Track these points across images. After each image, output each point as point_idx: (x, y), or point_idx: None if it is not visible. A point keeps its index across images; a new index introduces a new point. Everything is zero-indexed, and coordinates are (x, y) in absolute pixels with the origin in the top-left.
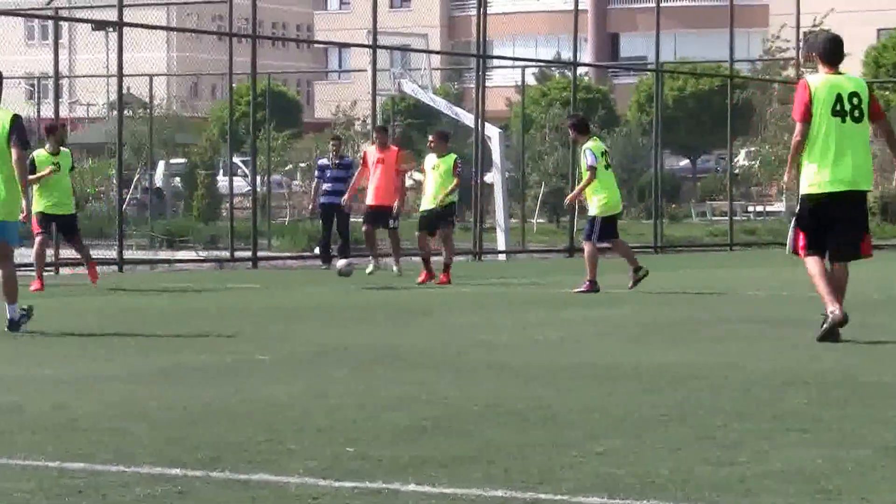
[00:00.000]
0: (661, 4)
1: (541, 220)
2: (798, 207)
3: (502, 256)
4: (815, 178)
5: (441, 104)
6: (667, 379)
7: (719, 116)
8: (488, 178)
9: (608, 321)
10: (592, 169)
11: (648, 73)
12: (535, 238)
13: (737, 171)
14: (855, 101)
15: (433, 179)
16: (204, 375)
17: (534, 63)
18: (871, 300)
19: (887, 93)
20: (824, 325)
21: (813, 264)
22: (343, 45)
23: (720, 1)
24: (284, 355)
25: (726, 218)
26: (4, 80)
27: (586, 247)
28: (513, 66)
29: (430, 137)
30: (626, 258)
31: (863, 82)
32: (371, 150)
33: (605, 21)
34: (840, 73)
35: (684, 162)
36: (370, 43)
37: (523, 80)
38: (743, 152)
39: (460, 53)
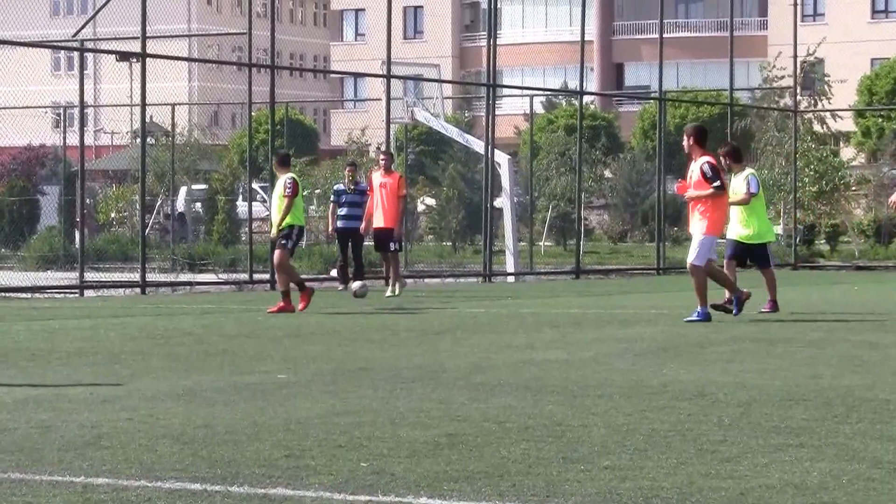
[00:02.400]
0: (664, 35)
1: (548, 243)
2: None
3: (511, 278)
4: None
5: (452, 132)
6: (672, 395)
7: (719, 143)
8: (498, 202)
9: (617, 341)
10: (752, 195)
11: (652, 101)
12: (542, 260)
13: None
14: None
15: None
16: (226, 394)
17: (542, 92)
18: (871, 319)
19: (881, 120)
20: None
21: None
22: (358, 75)
23: (721, 32)
24: (305, 375)
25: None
26: (32, 110)
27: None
28: (521, 95)
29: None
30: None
31: None
32: (376, 175)
33: (611, 51)
34: None
35: None
36: (384, 73)
37: (531, 109)
38: None
39: (471, 83)
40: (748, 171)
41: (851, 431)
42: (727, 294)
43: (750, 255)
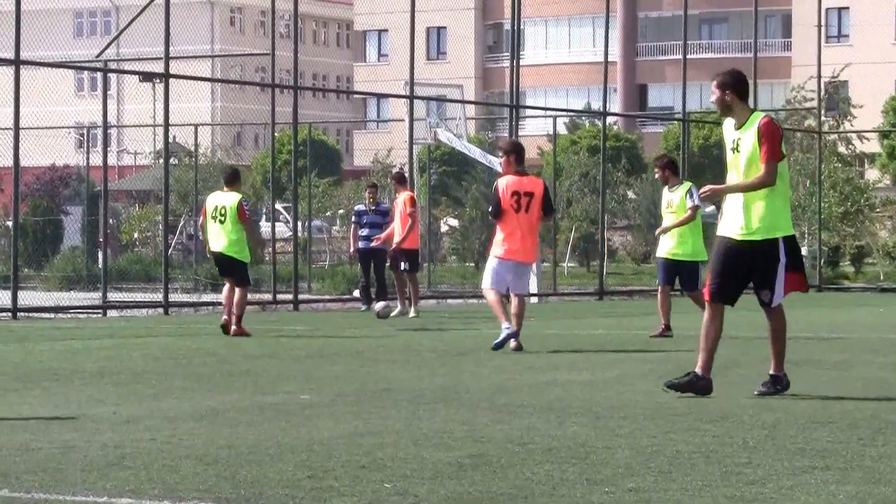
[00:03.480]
0: (687, 56)
1: (571, 265)
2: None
3: (535, 299)
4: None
5: (475, 152)
6: (696, 417)
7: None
8: None
9: (641, 362)
10: (698, 208)
11: (675, 122)
12: (566, 281)
13: None
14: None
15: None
16: (249, 414)
17: (565, 113)
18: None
19: None
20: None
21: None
22: (381, 96)
23: (744, 53)
24: (328, 395)
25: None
26: (55, 130)
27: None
28: (545, 116)
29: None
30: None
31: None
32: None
33: (634, 72)
34: None
35: (710, 208)
36: (407, 93)
37: (555, 129)
38: None
39: (494, 104)
40: (687, 184)
41: (877, 454)
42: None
43: (679, 274)
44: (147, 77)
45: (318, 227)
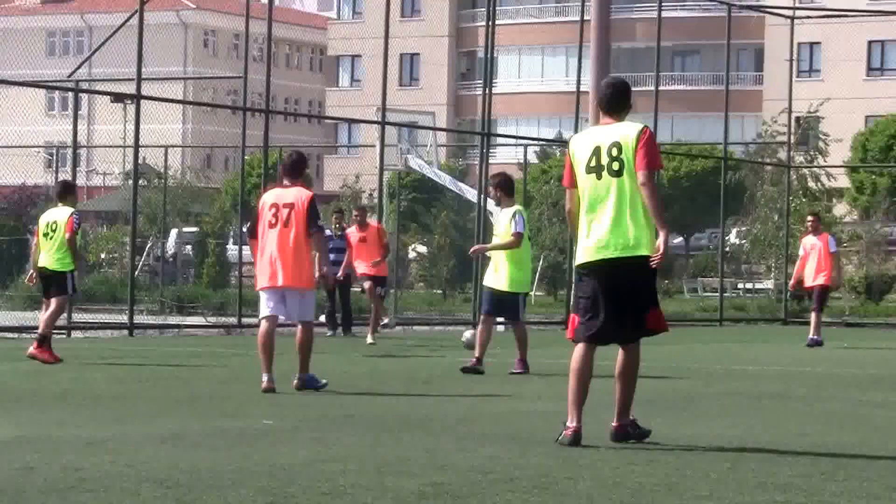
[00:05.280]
0: (659, 88)
1: (539, 293)
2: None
3: (501, 328)
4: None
5: (446, 179)
6: (660, 449)
7: (713, 196)
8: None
9: (605, 393)
10: (520, 235)
11: None
12: (533, 310)
13: (728, 248)
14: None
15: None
16: (212, 438)
17: (536, 142)
18: (860, 376)
19: (874, 177)
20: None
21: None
22: (353, 121)
23: (716, 85)
24: (291, 421)
25: (717, 294)
26: (25, 149)
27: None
28: (516, 145)
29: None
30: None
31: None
32: (352, 231)
33: None
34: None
35: (678, 240)
36: (379, 119)
37: (525, 158)
38: (734, 231)
39: (465, 131)
40: (517, 206)
41: (838, 489)
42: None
43: (501, 305)
44: (118, 98)
45: None
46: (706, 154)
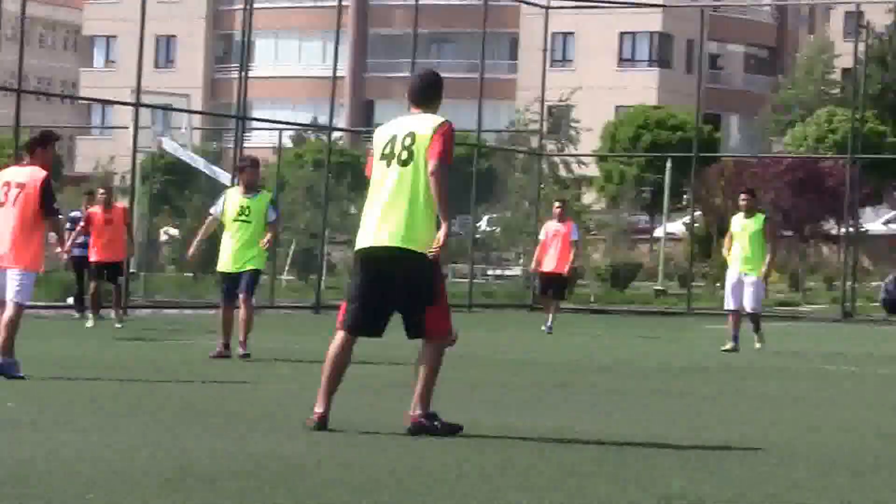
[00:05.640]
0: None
1: (290, 277)
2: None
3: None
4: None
5: (200, 163)
6: (396, 434)
7: (465, 183)
8: None
9: (359, 377)
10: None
11: None
12: (283, 294)
13: (479, 235)
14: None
15: None
16: None
17: (291, 126)
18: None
19: (622, 166)
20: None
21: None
22: (107, 102)
23: (471, 73)
24: (35, 405)
25: (466, 280)
26: None
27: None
28: (271, 129)
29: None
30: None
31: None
32: (96, 211)
33: (362, 88)
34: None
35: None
36: (133, 101)
37: (280, 142)
38: (486, 218)
39: (221, 114)
40: (269, 194)
41: (543, 467)
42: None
43: (234, 284)
44: None
45: None
46: (459, 141)
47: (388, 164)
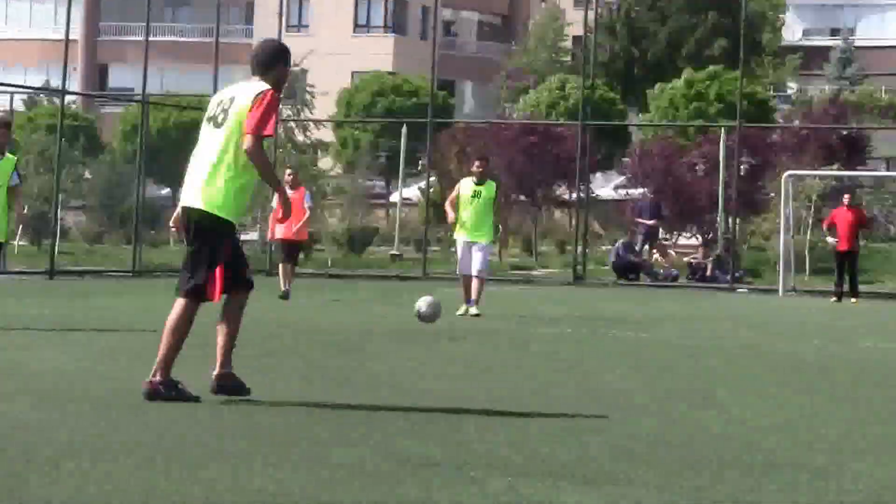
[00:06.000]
0: (150, 38)
1: (22, 243)
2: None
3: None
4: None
5: None
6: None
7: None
8: None
9: (106, 348)
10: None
11: (135, 103)
12: (16, 260)
13: None
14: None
15: None
16: None
17: (22, 90)
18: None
19: (357, 132)
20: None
21: None
22: None
23: (207, 37)
24: None
25: None
26: None
27: None
28: (1, 93)
29: None
30: None
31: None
32: None
33: (95, 52)
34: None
35: (166, 190)
36: None
37: (11, 106)
38: None
39: None
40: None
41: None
42: None
43: None
44: None
45: None
46: (195, 106)
47: (207, 127)
